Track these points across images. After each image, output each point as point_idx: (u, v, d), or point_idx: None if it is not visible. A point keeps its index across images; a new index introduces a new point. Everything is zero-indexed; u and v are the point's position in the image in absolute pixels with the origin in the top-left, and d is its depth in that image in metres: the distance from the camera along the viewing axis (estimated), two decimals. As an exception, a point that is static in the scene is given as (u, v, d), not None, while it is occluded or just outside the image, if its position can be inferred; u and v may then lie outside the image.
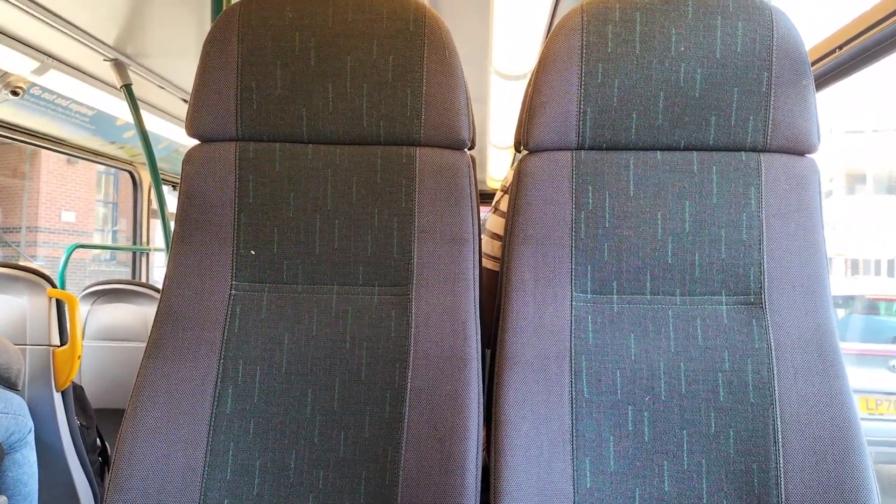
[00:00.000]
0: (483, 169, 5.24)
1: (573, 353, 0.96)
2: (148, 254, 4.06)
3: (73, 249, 3.47)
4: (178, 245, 1.01)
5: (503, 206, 1.50)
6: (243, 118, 1.02)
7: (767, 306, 0.96)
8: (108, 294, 2.75)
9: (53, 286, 2.07)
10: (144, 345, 1.00)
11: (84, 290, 2.80)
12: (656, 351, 0.96)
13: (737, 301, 0.97)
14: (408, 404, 0.95)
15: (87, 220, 10.00)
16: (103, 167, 3.59)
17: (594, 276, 0.98)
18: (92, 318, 2.69)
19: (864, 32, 1.14)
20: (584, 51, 0.98)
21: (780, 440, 0.92)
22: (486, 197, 5.65)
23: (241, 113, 1.01)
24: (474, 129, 1.06)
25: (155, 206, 3.41)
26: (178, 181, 1.06)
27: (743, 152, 0.99)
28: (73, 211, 9.78)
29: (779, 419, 0.93)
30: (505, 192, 1.81)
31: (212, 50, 1.02)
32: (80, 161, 3.37)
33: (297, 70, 1.01)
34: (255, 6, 1.02)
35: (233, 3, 1.38)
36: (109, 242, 10.90)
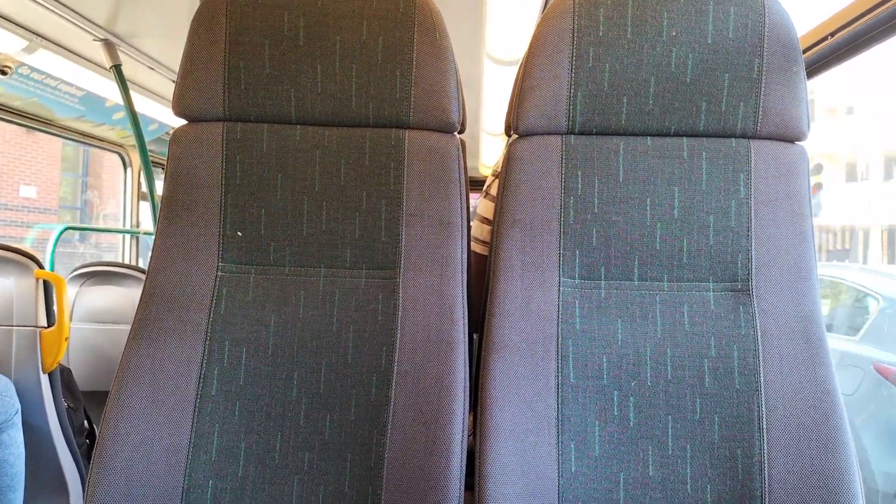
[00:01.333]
0: (475, 155, 5.23)
1: (560, 338, 0.95)
2: (138, 237, 4.03)
3: (64, 231, 3.45)
4: (164, 226, 1.00)
5: (494, 191, 1.50)
6: (231, 98, 1.00)
7: (754, 293, 0.96)
8: (96, 276, 2.73)
9: (41, 267, 2.05)
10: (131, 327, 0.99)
11: (72, 271, 2.78)
12: (643, 337, 0.96)
13: (724, 288, 0.97)
14: (394, 388, 0.95)
15: (49, 197, 9.63)
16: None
17: (582, 261, 0.98)
18: (80, 300, 2.68)
19: (857, 19, 1.13)
20: (576, 34, 0.97)
21: (764, 426, 0.92)
22: (477, 183, 5.63)
23: (229, 93, 1.00)
24: (464, 112, 1.05)
25: (144, 188, 3.39)
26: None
27: (733, 139, 0.99)
28: (35, 186, 9.42)
29: (763, 405, 0.93)
30: (496, 176, 1.80)
31: (199, 28, 1.01)
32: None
33: (285, 50, 1.00)
34: None
35: None
36: (77, 223, 10.73)
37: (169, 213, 1.00)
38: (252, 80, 1.00)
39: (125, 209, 3.96)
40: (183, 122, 1.04)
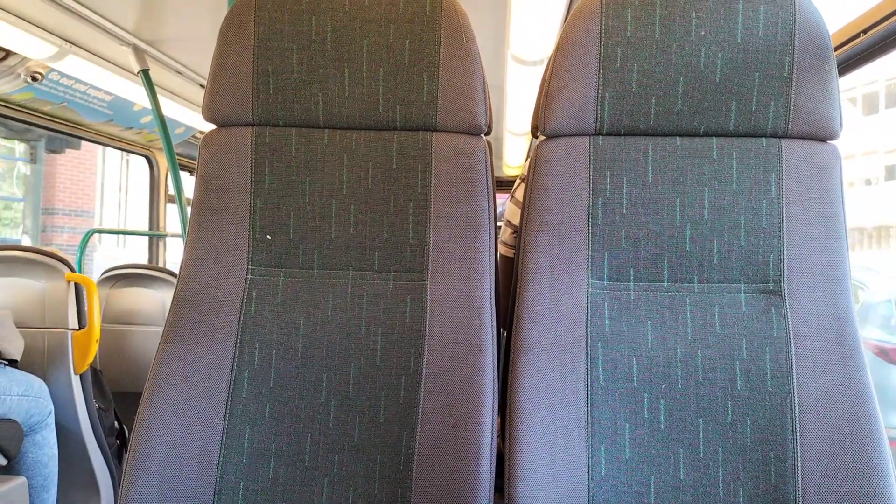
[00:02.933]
0: (499, 156, 5.22)
1: (589, 340, 0.95)
2: (164, 239, 4.08)
3: (91, 234, 3.50)
4: (194, 230, 1.01)
5: (519, 195, 1.49)
6: (259, 103, 1.01)
7: (787, 294, 0.95)
8: (125, 278, 2.77)
9: (72, 270, 2.09)
10: (161, 329, 1.00)
11: (102, 274, 2.82)
12: (673, 338, 0.95)
13: (755, 289, 0.96)
14: (423, 390, 0.95)
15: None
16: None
17: (611, 262, 0.97)
18: (109, 302, 2.71)
19: (889, 17, 1.11)
20: (603, 35, 0.96)
21: (797, 429, 0.91)
22: (501, 184, 5.63)
23: (258, 98, 1.01)
24: (491, 114, 1.05)
25: (171, 191, 3.42)
26: (195, 167, 1.06)
27: (763, 138, 0.97)
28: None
29: (797, 408, 0.92)
30: (523, 181, 1.79)
31: (228, 35, 1.02)
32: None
33: (313, 54, 1.00)
34: None
35: None
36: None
37: (199, 217, 1.01)
38: (280, 84, 1.01)
39: (152, 211, 4.01)
40: (211, 126, 1.05)
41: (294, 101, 1.01)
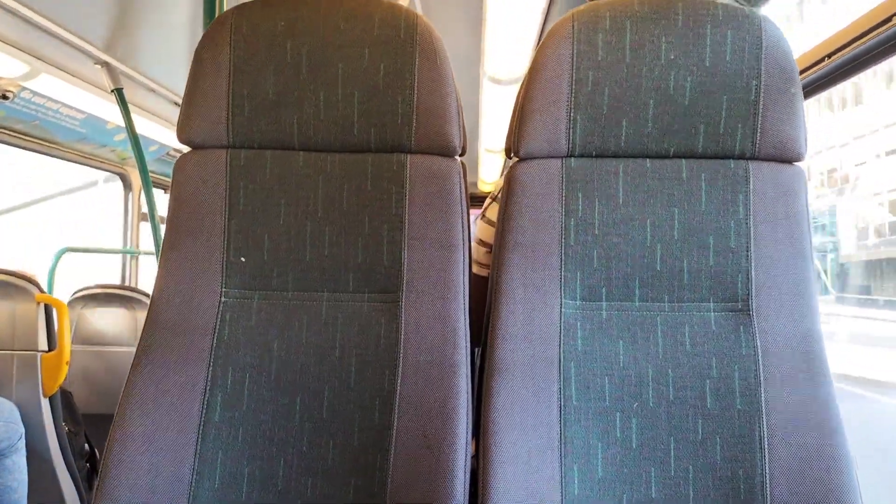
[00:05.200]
0: (474, 173, 5.25)
1: (562, 360, 0.96)
2: (137, 257, 4.03)
3: (63, 253, 3.45)
4: (168, 252, 1.01)
5: (490, 215, 1.50)
6: (234, 125, 1.01)
7: (755, 313, 0.97)
8: (96, 298, 2.73)
9: (42, 290, 2.06)
10: (133, 350, 0.99)
11: (73, 294, 2.78)
12: (645, 358, 0.96)
13: (724, 308, 0.98)
14: (397, 412, 0.95)
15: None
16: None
17: (583, 282, 0.98)
18: (80, 322, 2.68)
19: (853, 42, 1.14)
20: (575, 58, 0.98)
21: (766, 446, 0.92)
22: (476, 200, 5.66)
23: (233, 120, 1.01)
24: (465, 135, 1.06)
25: (145, 209, 3.39)
26: (169, 185, 1.05)
27: (731, 160, 0.99)
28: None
29: (765, 426, 0.93)
30: (494, 200, 1.81)
31: (204, 57, 1.02)
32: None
33: (288, 77, 1.01)
34: (247, 13, 1.02)
35: (225, 9, 1.38)
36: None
37: (172, 240, 1.01)
38: (255, 107, 1.01)
39: (126, 230, 3.97)
40: (184, 145, 1.05)
41: (269, 124, 1.01)
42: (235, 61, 1.01)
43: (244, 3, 1.03)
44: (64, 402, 2.14)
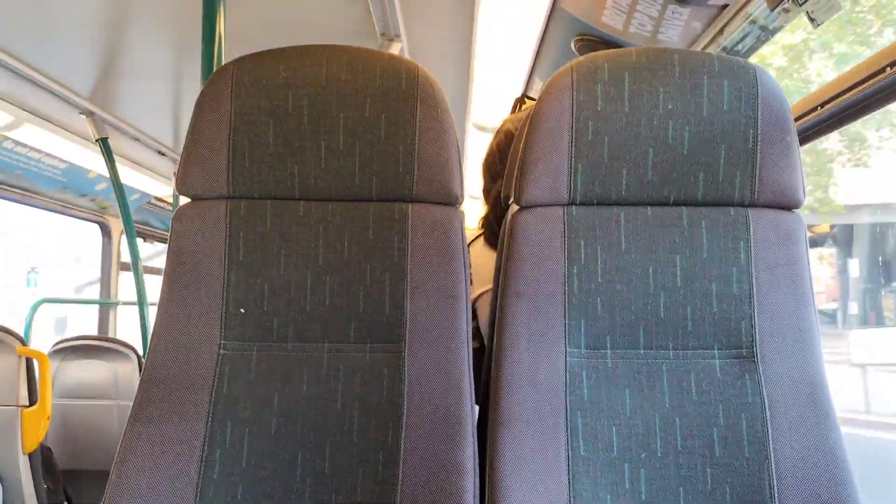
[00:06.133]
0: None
1: (568, 410, 0.94)
2: (115, 308, 3.97)
3: (40, 304, 3.39)
4: (166, 303, 0.99)
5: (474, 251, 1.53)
6: (235, 176, 1.01)
7: (760, 360, 0.96)
8: (76, 350, 2.68)
9: (23, 343, 2.01)
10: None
11: (53, 346, 2.72)
12: (651, 406, 0.95)
13: (729, 355, 0.97)
14: (401, 465, 0.93)
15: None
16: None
17: (588, 331, 0.97)
18: (60, 375, 2.61)
19: (846, 92, 1.17)
20: (575, 108, 0.99)
21: (776, 495, 0.91)
22: (459, 246, 5.67)
23: (233, 171, 1.01)
24: (464, 184, 1.06)
25: (126, 258, 3.35)
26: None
27: (731, 207, 1.00)
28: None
29: (774, 474, 0.92)
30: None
31: (204, 108, 1.02)
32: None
33: (289, 128, 1.01)
34: (248, 65, 1.02)
35: (224, 61, 1.39)
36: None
37: (171, 291, 0.99)
38: (256, 158, 1.01)
39: (105, 279, 3.91)
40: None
41: (270, 174, 1.01)
42: (236, 112, 1.01)
43: (244, 55, 1.03)
44: (43, 458, 2.07)
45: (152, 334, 0.98)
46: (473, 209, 4.87)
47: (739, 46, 1.56)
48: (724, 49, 1.59)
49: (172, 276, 1.00)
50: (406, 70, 1.02)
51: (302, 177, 1.01)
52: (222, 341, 0.98)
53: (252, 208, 1.01)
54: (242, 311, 0.99)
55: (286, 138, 1.00)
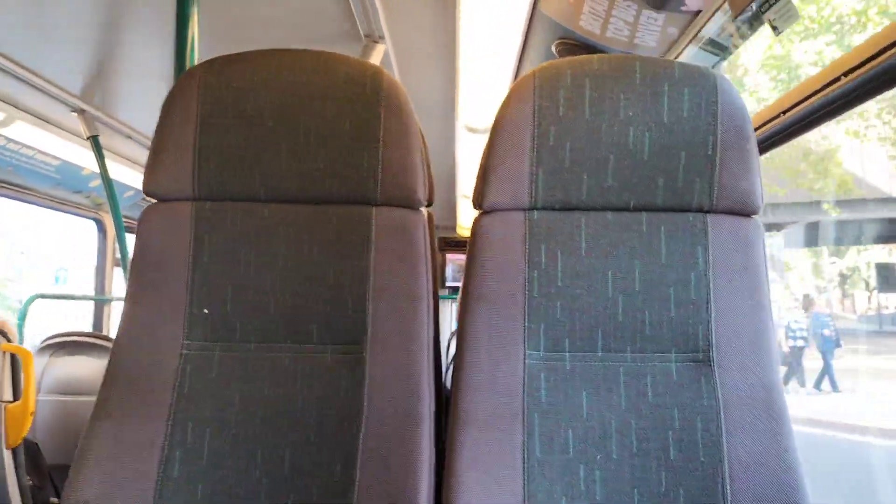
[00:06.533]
0: (452, 218, 5.28)
1: (526, 412, 0.95)
2: (110, 304, 3.98)
3: (33, 300, 3.41)
4: (130, 303, 1.00)
5: None
6: (201, 178, 1.02)
7: (716, 364, 0.97)
8: (66, 346, 2.69)
9: (9, 340, 2.02)
10: None
11: (42, 342, 2.74)
12: (608, 409, 0.96)
13: (686, 358, 0.98)
14: (359, 466, 0.94)
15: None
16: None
17: (547, 333, 0.98)
18: (49, 371, 2.62)
19: (808, 98, 1.18)
20: (537, 114, 1.00)
21: (728, 498, 0.92)
22: (454, 245, 5.68)
23: (199, 173, 1.02)
24: (431, 187, 1.07)
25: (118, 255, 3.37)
26: None
27: (690, 213, 1.01)
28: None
29: (727, 477, 0.93)
30: None
31: (171, 110, 1.03)
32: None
33: (254, 131, 1.02)
34: (215, 68, 1.04)
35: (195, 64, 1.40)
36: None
37: (135, 291, 1.00)
38: (222, 160, 1.02)
39: (98, 275, 3.92)
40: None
41: (235, 176, 1.02)
42: (203, 115, 1.02)
43: (213, 59, 1.05)
44: (30, 453, 2.09)
45: (117, 332, 1.00)
46: (468, 208, 4.88)
47: (715, 50, 1.57)
48: (702, 50, 1.60)
49: (137, 276, 1.01)
50: (371, 75, 1.03)
51: (266, 179, 1.02)
52: (185, 341, 0.99)
53: (217, 210, 1.02)
54: (206, 311, 1.00)
55: (251, 141, 1.02)
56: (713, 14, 1.43)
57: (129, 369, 0.97)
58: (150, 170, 1.03)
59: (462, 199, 4.50)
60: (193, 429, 0.96)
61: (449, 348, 3.12)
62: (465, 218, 5.26)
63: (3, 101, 2.50)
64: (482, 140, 3.00)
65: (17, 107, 2.56)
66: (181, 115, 1.02)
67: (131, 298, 1.00)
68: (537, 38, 1.88)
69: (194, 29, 1.42)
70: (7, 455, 1.95)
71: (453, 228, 5.76)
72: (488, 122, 2.71)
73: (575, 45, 1.72)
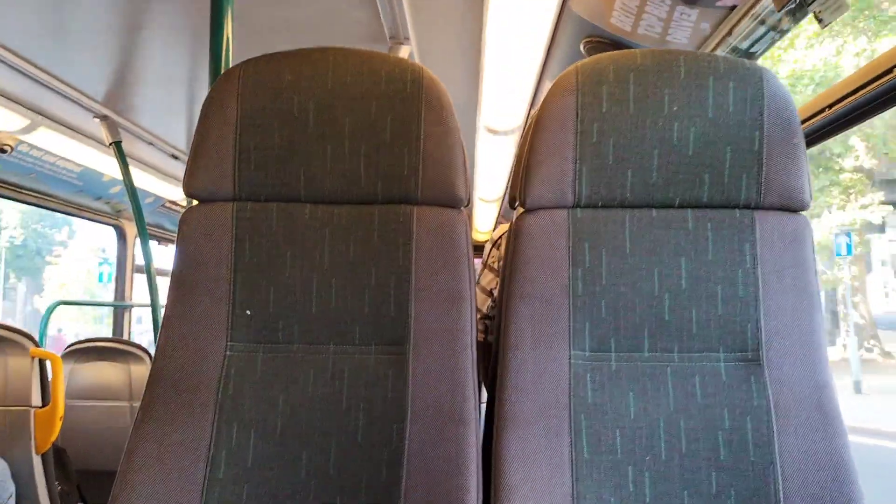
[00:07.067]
0: (469, 221, 5.28)
1: (572, 413, 0.94)
2: (130, 310, 4.00)
3: (56, 306, 3.42)
4: (172, 306, 1.00)
5: (492, 262, 1.50)
6: (241, 179, 1.01)
7: (765, 363, 0.96)
8: (90, 352, 2.70)
9: (36, 345, 2.03)
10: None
11: (66, 348, 2.75)
12: (655, 409, 0.95)
13: (735, 358, 0.97)
14: (405, 466, 0.93)
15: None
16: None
17: (592, 333, 0.97)
18: (74, 376, 2.64)
19: (853, 93, 1.16)
20: (579, 111, 0.99)
21: (781, 500, 0.90)
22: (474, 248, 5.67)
23: (239, 173, 1.01)
24: (469, 186, 1.06)
25: (140, 261, 3.38)
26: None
27: (737, 209, 1.00)
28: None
29: (780, 478, 0.91)
30: (495, 246, 1.80)
31: (211, 111, 1.02)
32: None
33: (295, 131, 1.01)
34: (254, 68, 1.03)
35: (231, 64, 1.40)
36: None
37: (178, 294, 1.00)
38: (262, 160, 1.01)
39: (118, 281, 3.94)
40: (180, 195, 1.05)
41: (276, 177, 1.02)
42: (242, 115, 1.01)
43: (251, 58, 1.04)
44: (57, 459, 2.10)
45: (159, 335, 0.99)
46: (485, 212, 4.87)
47: (749, 47, 1.55)
48: (734, 50, 1.58)
49: (179, 278, 1.01)
50: (411, 73, 1.03)
51: (307, 180, 1.01)
52: (229, 342, 0.99)
53: (258, 211, 1.02)
54: (249, 312, 0.99)
55: (292, 141, 1.01)
56: (749, 9, 1.41)
57: (173, 371, 0.97)
58: (191, 171, 1.02)
59: (479, 203, 4.49)
60: (238, 430, 0.95)
61: None
62: (482, 222, 5.25)
63: (27, 108, 2.51)
64: (502, 141, 2.99)
65: (41, 113, 2.57)
66: (221, 116, 1.02)
67: (174, 300, 1.00)
68: (564, 36, 1.87)
69: (229, 31, 1.42)
70: (37, 460, 1.96)
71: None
72: (509, 123, 2.71)
73: (604, 42, 1.71)
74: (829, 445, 0.92)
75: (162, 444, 0.93)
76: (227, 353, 0.98)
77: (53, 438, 1.98)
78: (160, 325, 1.01)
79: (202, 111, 1.03)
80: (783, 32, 1.43)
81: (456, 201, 1.03)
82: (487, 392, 1.16)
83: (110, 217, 3.81)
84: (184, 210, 1.07)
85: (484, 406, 1.41)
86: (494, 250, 2.03)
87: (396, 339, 0.99)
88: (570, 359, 0.96)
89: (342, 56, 1.04)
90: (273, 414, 0.96)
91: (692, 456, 0.93)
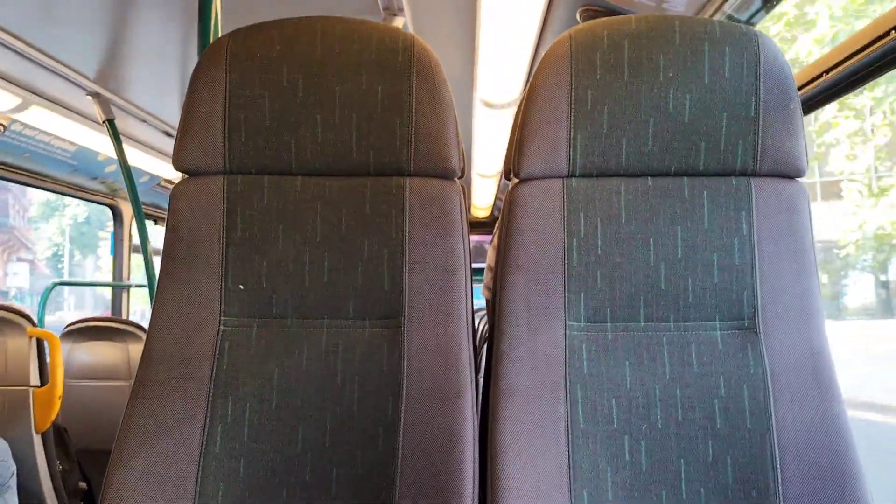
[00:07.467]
0: (468, 197, 5.26)
1: (568, 383, 0.94)
2: (128, 290, 4.00)
3: (54, 286, 3.42)
4: (164, 281, 0.99)
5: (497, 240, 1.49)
6: (231, 151, 1.00)
7: (762, 331, 0.95)
8: (88, 332, 2.70)
9: (34, 325, 2.03)
10: (126, 383, 0.98)
11: (65, 327, 2.75)
12: (651, 379, 0.95)
13: (731, 326, 0.96)
14: (401, 438, 0.93)
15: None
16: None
17: (587, 303, 0.97)
18: (72, 356, 2.64)
19: (850, 57, 1.15)
20: (573, 78, 0.97)
21: (778, 467, 0.91)
22: (473, 225, 5.66)
23: (230, 146, 1.00)
24: (464, 158, 1.05)
25: (136, 241, 3.37)
26: (160, 215, 1.04)
27: (733, 177, 0.99)
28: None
29: (776, 445, 0.91)
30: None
31: (199, 83, 1.01)
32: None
33: (285, 102, 1.00)
34: (242, 39, 1.01)
35: (220, 35, 1.38)
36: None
37: (169, 269, 0.99)
38: (252, 132, 1.00)
39: (116, 261, 3.93)
40: (175, 174, 1.03)
41: (266, 149, 1.00)
42: (231, 86, 1.00)
43: (239, 28, 1.02)
44: (57, 439, 2.10)
45: (152, 311, 0.99)
46: (483, 187, 4.85)
47: (745, 14, 1.53)
48: (730, 18, 1.56)
49: (171, 254, 1.00)
50: (402, 42, 1.01)
51: (298, 151, 1.00)
52: (222, 317, 0.98)
53: (249, 184, 1.01)
54: (241, 287, 0.99)
55: (281, 113, 1.00)
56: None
57: (167, 347, 0.96)
58: (180, 144, 1.01)
59: (478, 178, 4.47)
60: (234, 405, 0.95)
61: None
62: (481, 198, 5.23)
63: (18, 86, 2.49)
64: (499, 115, 2.96)
65: (33, 91, 2.54)
66: (209, 87, 1.00)
67: (166, 275, 0.99)
68: (561, 6, 1.84)
69: (217, 2, 1.39)
70: (37, 439, 1.97)
71: (468, 209, 5.74)
72: (506, 97, 2.68)
73: (600, 11, 1.68)
74: (826, 413, 0.92)
75: (157, 419, 0.93)
76: (221, 327, 0.98)
77: (53, 418, 1.99)
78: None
79: (190, 83, 1.01)
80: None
81: (449, 172, 1.02)
82: (484, 364, 1.15)
83: (106, 197, 3.79)
84: None
85: (481, 378, 1.42)
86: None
87: (391, 312, 0.98)
88: (565, 329, 0.96)
89: (331, 25, 1.02)
90: (268, 388, 0.96)
91: (688, 425, 0.93)
